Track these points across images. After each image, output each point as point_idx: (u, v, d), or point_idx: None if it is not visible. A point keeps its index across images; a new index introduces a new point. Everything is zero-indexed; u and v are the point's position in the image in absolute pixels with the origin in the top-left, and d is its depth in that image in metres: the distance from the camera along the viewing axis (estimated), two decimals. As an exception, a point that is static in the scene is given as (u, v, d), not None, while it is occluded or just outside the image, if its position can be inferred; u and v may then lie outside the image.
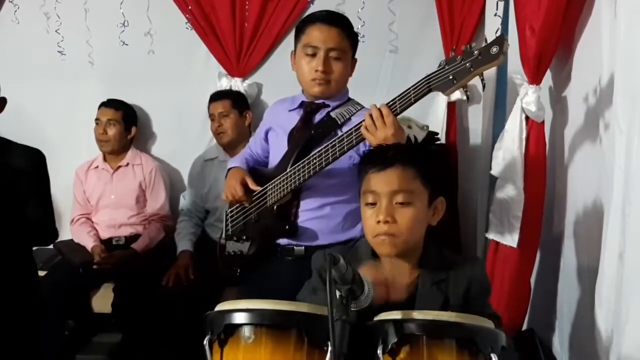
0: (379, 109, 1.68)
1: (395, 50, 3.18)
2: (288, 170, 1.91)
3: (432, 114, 3.11)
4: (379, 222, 1.40)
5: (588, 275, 1.91)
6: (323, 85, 1.93)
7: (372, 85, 3.11)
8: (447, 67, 1.62)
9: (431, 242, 1.49)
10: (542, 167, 2.12)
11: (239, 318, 1.05)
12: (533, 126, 2.12)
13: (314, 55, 1.90)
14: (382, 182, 1.42)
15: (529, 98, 2.07)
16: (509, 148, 2.14)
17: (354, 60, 1.99)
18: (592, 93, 1.86)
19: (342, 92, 2.01)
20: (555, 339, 2.26)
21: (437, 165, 1.52)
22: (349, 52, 1.95)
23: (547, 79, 2.16)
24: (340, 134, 1.82)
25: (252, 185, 2.00)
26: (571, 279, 2.10)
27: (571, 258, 2.10)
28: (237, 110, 2.98)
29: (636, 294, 1.48)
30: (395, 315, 1.09)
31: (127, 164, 3.06)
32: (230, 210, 2.15)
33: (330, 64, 1.91)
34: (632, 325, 1.48)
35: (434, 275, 1.43)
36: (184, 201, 3.09)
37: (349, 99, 2.03)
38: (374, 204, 1.43)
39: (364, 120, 1.71)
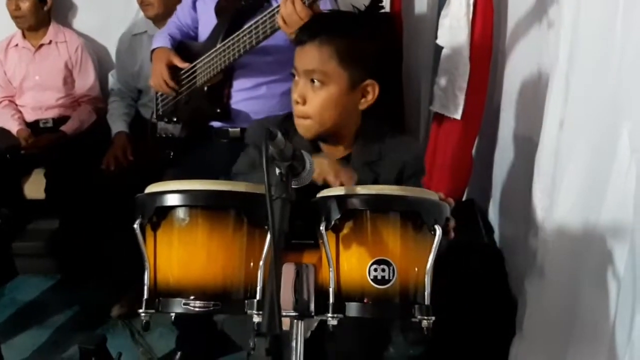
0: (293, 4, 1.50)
1: None
2: (218, 46, 1.76)
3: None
4: (296, 102, 1.32)
5: (524, 145, 1.93)
6: None
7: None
8: None
9: (373, 119, 1.41)
10: (489, 34, 2.05)
11: (171, 200, 0.98)
12: (480, -11, 2.02)
13: None
14: (299, 58, 1.32)
15: (476, -42, 1.95)
16: (456, 14, 2.04)
17: None
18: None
19: None
20: (490, 208, 2.34)
21: (372, 44, 1.35)
22: None
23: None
24: (274, 5, 1.65)
25: (179, 63, 1.85)
26: (507, 149, 2.13)
27: (508, 128, 2.12)
28: (163, -24, 2.69)
29: (572, 160, 1.49)
30: (338, 191, 1.05)
31: (50, 42, 2.85)
32: (160, 88, 2.01)
33: None
34: (566, 192, 1.51)
35: (366, 155, 1.38)
36: (113, 80, 2.89)
37: None
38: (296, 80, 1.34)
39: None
